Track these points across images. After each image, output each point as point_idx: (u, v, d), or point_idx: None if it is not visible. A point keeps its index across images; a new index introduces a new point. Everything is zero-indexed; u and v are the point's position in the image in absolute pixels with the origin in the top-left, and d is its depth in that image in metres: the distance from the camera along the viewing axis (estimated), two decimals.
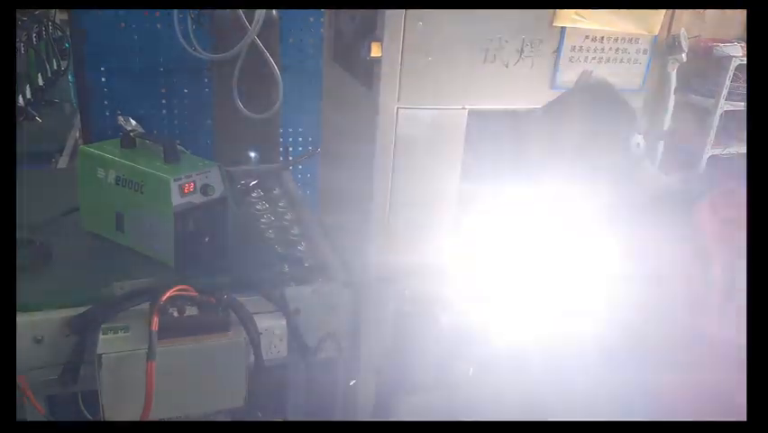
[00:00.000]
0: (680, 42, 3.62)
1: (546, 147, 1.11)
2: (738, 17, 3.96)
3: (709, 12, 3.77)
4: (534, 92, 1.46)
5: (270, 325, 1.41)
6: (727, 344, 0.97)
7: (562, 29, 1.44)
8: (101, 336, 1.28)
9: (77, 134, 2.87)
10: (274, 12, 2.44)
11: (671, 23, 1.69)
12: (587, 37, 1.47)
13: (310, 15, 2.89)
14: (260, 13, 2.31)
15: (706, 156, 3.93)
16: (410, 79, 1.38)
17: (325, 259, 1.67)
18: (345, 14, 1.65)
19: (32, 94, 2.82)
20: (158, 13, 2.72)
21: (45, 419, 1.31)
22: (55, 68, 3.32)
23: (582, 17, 1.42)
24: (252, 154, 2.39)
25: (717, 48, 3.83)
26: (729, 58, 3.79)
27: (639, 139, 1.10)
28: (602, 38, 1.49)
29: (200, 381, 1.32)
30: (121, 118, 1.64)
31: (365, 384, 1.61)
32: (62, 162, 2.45)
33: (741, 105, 3.86)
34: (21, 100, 2.67)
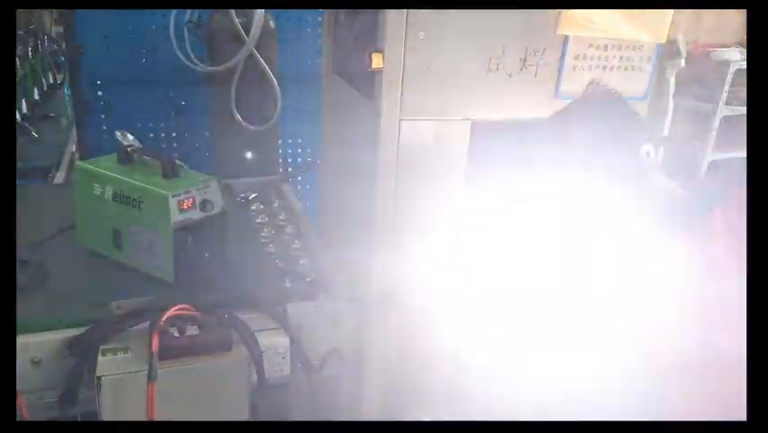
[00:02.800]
0: (678, 47, 3.62)
1: (554, 158, 1.09)
2: (736, 21, 3.96)
3: (707, 16, 3.77)
4: (538, 101, 1.44)
5: (273, 342, 1.38)
6: (739, 356, 0.95)
7: (566, 37, 1.42)
8: (100, 358, 1.25)
9: (74, 149, 2.84)
10: (271, 22, 2.42)
11: (669, 28, 1.67)
12: (590, 45, 1.45)
13: (308, 26, 2.88)
14: (257, 25, 2.30)
15: (707, 161, 3.92)
16: (412, 91, 1.36)
17: (328, 274, 1.64)
18: (344, 25, 1.63)
19: (27, 108, 2.80)
20: (154, 25, 2.70)
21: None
22: (51, 81, 3.30)
23: (590, 23, 1.39)
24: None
25: (716, 52, 3.82)
26: (728, 62, 3.79)
27: (649, 148, 1.08)
28: (606, 46, 1.47)
29: (202, 401, 1.30)
30: (118, 133, 1.61)
31: (370, 401, 1.58)
32: (59, 178, 2.42)
33: (740, 110, 3.85)
34: (17, 115, 2.65)
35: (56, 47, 3.45)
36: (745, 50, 3.82)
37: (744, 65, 3.79)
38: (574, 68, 1.46)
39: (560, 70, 1.45)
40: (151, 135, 2.84)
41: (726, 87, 3.82)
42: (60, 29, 3.21)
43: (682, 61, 3.62)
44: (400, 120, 1.38)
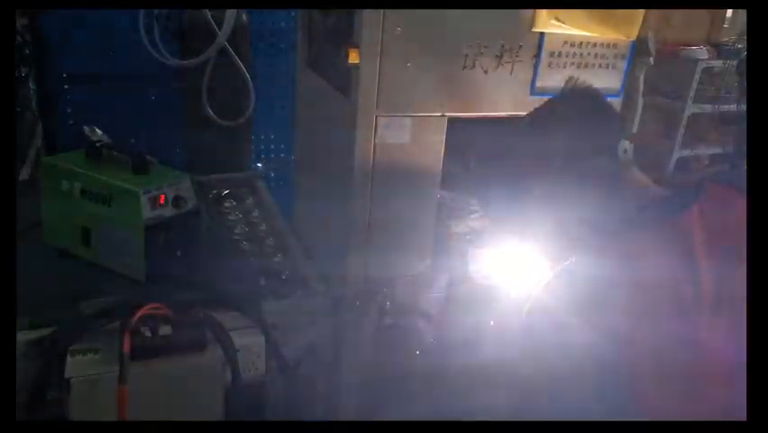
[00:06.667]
0: (647, 46, 3.66)
1: (533, 155, 1.09)
2: (704, 21, 4.03)
3: (676, 15, 3.83)
4: (514, 99, 1.45)
5: (248, 342, 1.36)
6: (717, 355, 0.96)
7: (541, 34, 1.43)
8: (69, 359, 1.22)
9: (40, 144, 2.76)
10: (244, 16, 2.39)
11: (639, 26, 1.69)
12: (565, 42, 1.46)
13: (282, 20, 2.84)
14: (229, 18, 2.26)
15: (674, 158, 3.99)
16: (389, 86, 1.35)
17: (303, 271, 1.63)
18: (320, 19, 1.61)
19: None
20: (123, 18, 2.64)
21: None
22: (16, 75, 3.19)
23: (561, 22, 1.40)
24: None
25: (684, 51, 3.89)
26: (695, 61, 3.86)
27: (626, 145, 1.08)
28: (581, 43, 1.48)
29: (175, 403, 1.27)
30: (86, 128, 1.57)
31: (347, 399, 1.57)
32: (24, 174, 2.35)
33: (707, 108, 3.93)
34: None
35: (21, 39, 3.34)
36: (712, 49, 3.89)
37: (711, 63, 3.87)
38: (549, 65, 1.46)
39: (535, 68, 1.45)
40: (120, 131, 2.78)
41: (694, 86, 3.89)
42: (25, 21, 3.10)
43: (651, 60, 3.68)
44: (377, 116, 1.37)
